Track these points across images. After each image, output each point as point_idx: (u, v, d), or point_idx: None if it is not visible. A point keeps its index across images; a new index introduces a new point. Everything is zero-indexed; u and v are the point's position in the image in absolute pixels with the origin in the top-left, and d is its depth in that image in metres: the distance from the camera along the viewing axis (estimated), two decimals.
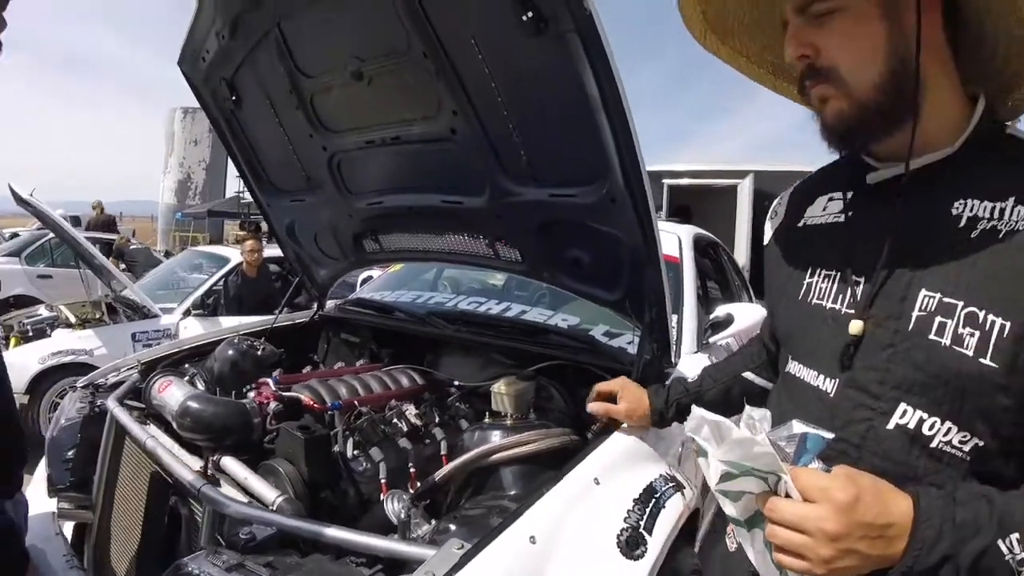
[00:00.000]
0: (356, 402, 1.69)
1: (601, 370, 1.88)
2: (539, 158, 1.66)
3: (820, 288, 0.89)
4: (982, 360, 0.71)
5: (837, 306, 0.85)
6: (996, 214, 0.75)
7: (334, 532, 1.13)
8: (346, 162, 2.08)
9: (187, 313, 4.73)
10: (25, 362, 3.97)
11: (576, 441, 1.58)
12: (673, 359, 1.94)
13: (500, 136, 1.67)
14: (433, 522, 1.34)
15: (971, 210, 0.76)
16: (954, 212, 0.77)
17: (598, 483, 1.26)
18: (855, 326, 0.81)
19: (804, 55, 0.80)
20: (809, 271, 0.92)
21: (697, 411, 0.72)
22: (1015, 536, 0.65)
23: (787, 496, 0.68)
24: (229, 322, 4.22)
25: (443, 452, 1.72)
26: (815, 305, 0.89)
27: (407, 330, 2.32)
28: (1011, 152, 0.79)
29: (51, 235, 7.87)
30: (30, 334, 4.33)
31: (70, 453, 1.75)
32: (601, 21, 1.29)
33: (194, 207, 22.88)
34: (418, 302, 2.56)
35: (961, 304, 0.74)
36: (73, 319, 4.56)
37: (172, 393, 1.65)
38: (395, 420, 1.70)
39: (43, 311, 4.88)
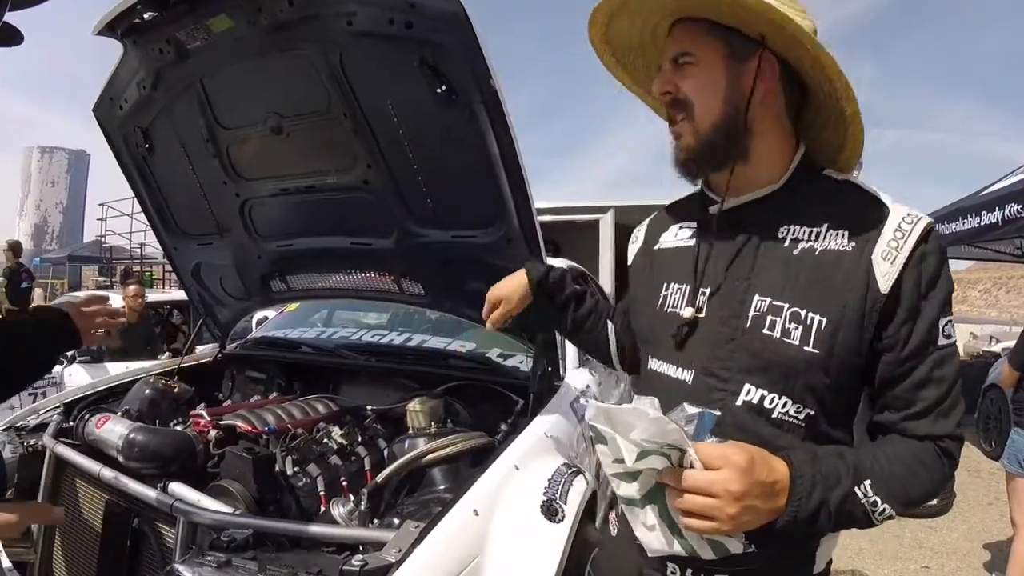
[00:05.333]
0: (289, 426, 1.84)
1: (500, 387, 2.17)
2: (444, 205, 1.93)
3: (674, 299, 1.05)
4: (806, 348, 0.88)
5: (688, 313, 1.02)
6: (813, 236, 0.93)
7: (306, 527, 1.31)
8: (258, 207, 2.23)
9: (72, 360, 4.50)
10: None
11: (490, 442, 1.85)
12: (561, 373, 2.27)
13: (410, 187, 1.92)
14: (376, 521, 1.55)
15: (793, 233, 0.94)
16: (780, 235, 0.95)
17: (518, 468, 1.54)
18: (687, 312, 1.00)
19: (667, 91, 0.99)
20: (664, 285, 1.08)
21: (594, 403, 0.84)
22: (867, 483, 0.83)
23: (691, 467, 0.78)
24: (115, 367, 4.05)
25: (367, 468, 1.91)
26: (670, 312, 1.04)
27: (319, 363, 2.47)
28: (824, 189, 0.98)
29: None
30: None
31: (8, 494, 1.74)
32: (504, 94, 1.60)
33: (53, 252, 20.64)
34: (323, 337, 2.72)
35: (787, 305, 0.90)
36: None
37: (112, 428, 1.71)
38: (325, 440, 1.87)
39: None
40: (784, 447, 0.88)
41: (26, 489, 1.77)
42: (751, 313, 0.94)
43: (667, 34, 1.03)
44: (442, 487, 1.67)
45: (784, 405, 0.91)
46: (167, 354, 4.58)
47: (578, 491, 1.59)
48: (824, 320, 0.89)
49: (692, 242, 1.08)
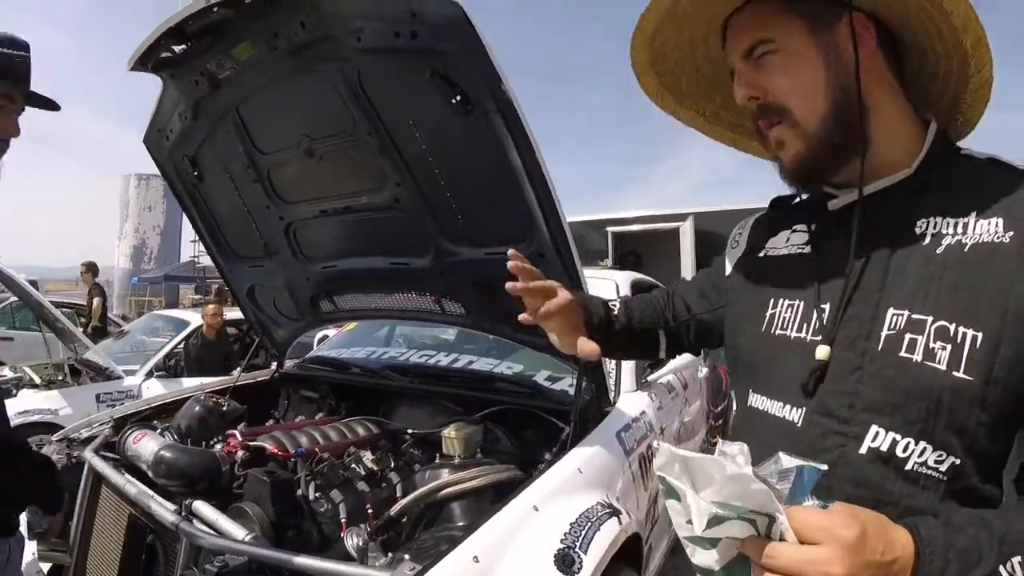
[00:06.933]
0: (317, 449, 1.81)
1: (544, 412, 2.05)
2: (475, 221, 1.85)
3: (784, 318, 0.87)
4: (956, 373, 0.70)
5: (802, 335, 0.83)
6: (960, 229, 0.75)
7: (298, 559, 1.25)
8: (301, 230, 2.24)
9: (149, 375, 4.80)
10: None
11: (520, 476, 1.73)
12: (612, 398, 2.12)
13: (439, 203, 1.86)
14: (390, 555, 1.47)
15: (935, 227, 0.77)
16: (918, 231, 0.78)
17: (537, 510, 1.41)
18: (822, 351, 0.79)
19: (753, 96, 0.83)
20: (772, 302, 0.89)
21: (666, 447, 0.65)
22: (1016, 559, 0.63)
23: (781, 539, 0.60)
24: (190, 383, 4.29)
25: (399, 495, 1.84)
26: (779, 336, 0.86)
27: (363, 384, 2.45)
28: (966, 170, 0.80)
29: (11, 298, 7.80)
30: None
31: None
32: (519, 102, 1.50)
33: (150, 272, 22.82)
34: (372, 357, 2.71)
35: (931, 319, 0.72)
36: (38, 380, 4.56)
37: (146, 444, 1.76)
38: (353, 465, 1.83)
39: (7, 372, 4.85)
40: (919, 508, 0.70)
41: (67, 498, 1.86)
42: (884, 332, 0.75)
43: (722, 39, 0.88)
44: (460, 524, 1.57)
45: (922, 453, 0.72)
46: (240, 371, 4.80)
47: (607, 537, 1.43)
48: (979, 335, 0.69)
49: (808, 249, 0.90)
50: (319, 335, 3.35)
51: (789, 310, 0.87)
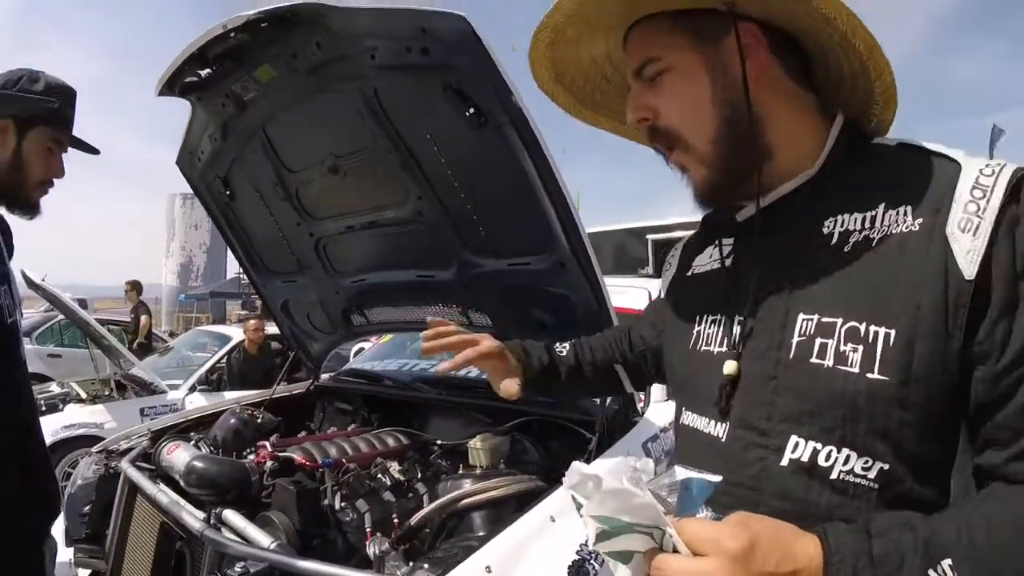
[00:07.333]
0: (344, 460, 1.85)
1: (571, 422, 2.04)
2: (496, 233, 1.88)
3: (707, 334, 0.86)
4: (869, 375, 0.67)
5: (723, 349, 0.82)
6: (867, 223, 0.72)
7: (316, 567, 1.28)
8: (331, 245, 2.31)
9: (192, 389, 4.98)
10: None
11: (542, 486, 1.72)
12: (639, 408, 2.09)
13: (461, 216, 1.89)
14: (411, 563, 1.48)
15: (842, 225, 0.74)
16: (825, 231, 0.75)
17: (554, 520, 1.40)
18: (729, 366, 0.78)
19: (643, 118, 0.82)
20: (697, 319, 0.89)
21: (576, 465, 0.64)
22: (947, 562, 0.58)
23: (675, 551, 0.59)
24: (232, 397, 4.43)
25: (425, 505, 1.85)
26: (703, 352, 0.85)
27: (395, 396, 2.49)
28: (875, 161, 0.77)
29: (60, 317, 8.19)
30: (43, 408, 4.48)
31: (86, 509, 1.97)
32: (531, 114, 1.51)
33: (196, 289, 23.68)
34: (404, 369, 2.75)
35: (840, 321, 0.69)
36: (84, 395, 4.77)
37: (179, 455, 1.83)
38: (380, 476, 1.85)
39: (55, 387, 5.09)
40: (850, 519, 0.65)
41: (102, 507, 1.98)
42: (795, 339, 0.73)
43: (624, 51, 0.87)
44: (480, 533, 1.57)
45: (847, 460, 0.69)
46: (285, 383, 4.90)
47: None
48: (892, 332, 0.66)
49: (727, 262, 0.88)
50: (355, 348, 3.41)
51: (712, 326, 0.86)
